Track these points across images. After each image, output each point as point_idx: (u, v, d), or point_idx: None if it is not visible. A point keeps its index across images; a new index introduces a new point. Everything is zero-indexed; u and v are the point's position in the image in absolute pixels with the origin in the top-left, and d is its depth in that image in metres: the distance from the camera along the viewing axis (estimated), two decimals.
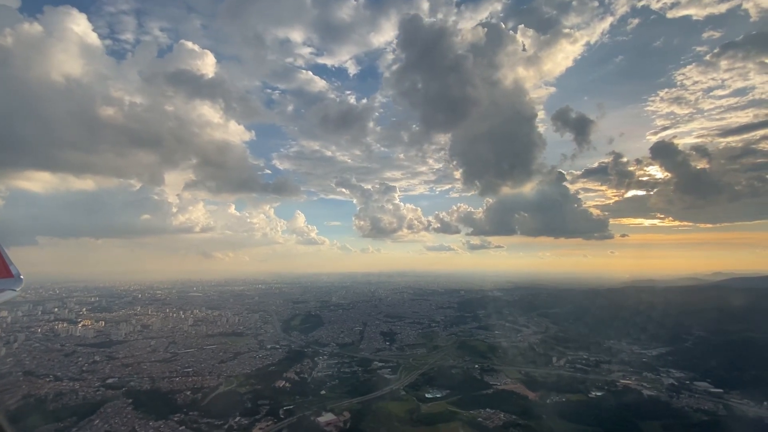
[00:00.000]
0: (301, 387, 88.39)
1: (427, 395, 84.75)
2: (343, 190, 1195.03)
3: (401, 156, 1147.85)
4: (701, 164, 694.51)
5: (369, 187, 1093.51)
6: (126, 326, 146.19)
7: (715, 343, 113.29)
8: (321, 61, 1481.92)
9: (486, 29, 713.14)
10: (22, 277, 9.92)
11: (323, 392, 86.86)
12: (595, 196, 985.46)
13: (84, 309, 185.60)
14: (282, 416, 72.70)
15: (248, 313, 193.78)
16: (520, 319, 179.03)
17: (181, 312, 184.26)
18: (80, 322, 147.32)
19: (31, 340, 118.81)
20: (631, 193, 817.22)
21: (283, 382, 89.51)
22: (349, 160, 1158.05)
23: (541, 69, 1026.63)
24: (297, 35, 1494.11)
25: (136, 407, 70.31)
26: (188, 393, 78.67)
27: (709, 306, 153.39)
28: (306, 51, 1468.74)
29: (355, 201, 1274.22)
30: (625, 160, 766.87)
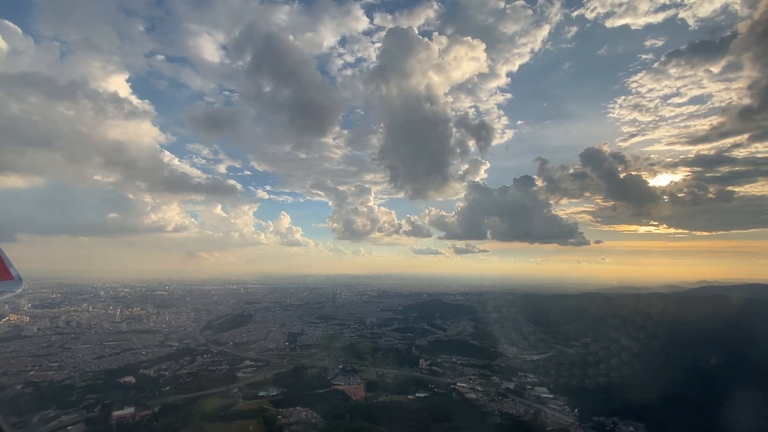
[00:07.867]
0: (146, 383, 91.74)
1: (260, 393, 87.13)
2: (319, 192, 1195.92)
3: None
4: (679, 172, 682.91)
5: (344, 189, 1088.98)
6: (48, 322, 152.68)
7: (593, 350, 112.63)
8: None
9: (396, 36, 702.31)
10: (22, 279, 9.94)
11: (167, 388, 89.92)
12: (582, 202, 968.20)
13: (29, 305, 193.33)
14: (95, 410, 76.18)
15: (188, 312, 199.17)
16: (447, 323, 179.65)
17: (119, 309, 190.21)
18: (6, 317, 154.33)
19: None
20: (617, 200, 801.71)
21: (132, 378, 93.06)
22: (326, 163, 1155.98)
23: (452, 76, 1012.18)
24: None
25: None
26: (19, 387, 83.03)
27: (632, 313, 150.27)
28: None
29: (330, 203, 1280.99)
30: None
